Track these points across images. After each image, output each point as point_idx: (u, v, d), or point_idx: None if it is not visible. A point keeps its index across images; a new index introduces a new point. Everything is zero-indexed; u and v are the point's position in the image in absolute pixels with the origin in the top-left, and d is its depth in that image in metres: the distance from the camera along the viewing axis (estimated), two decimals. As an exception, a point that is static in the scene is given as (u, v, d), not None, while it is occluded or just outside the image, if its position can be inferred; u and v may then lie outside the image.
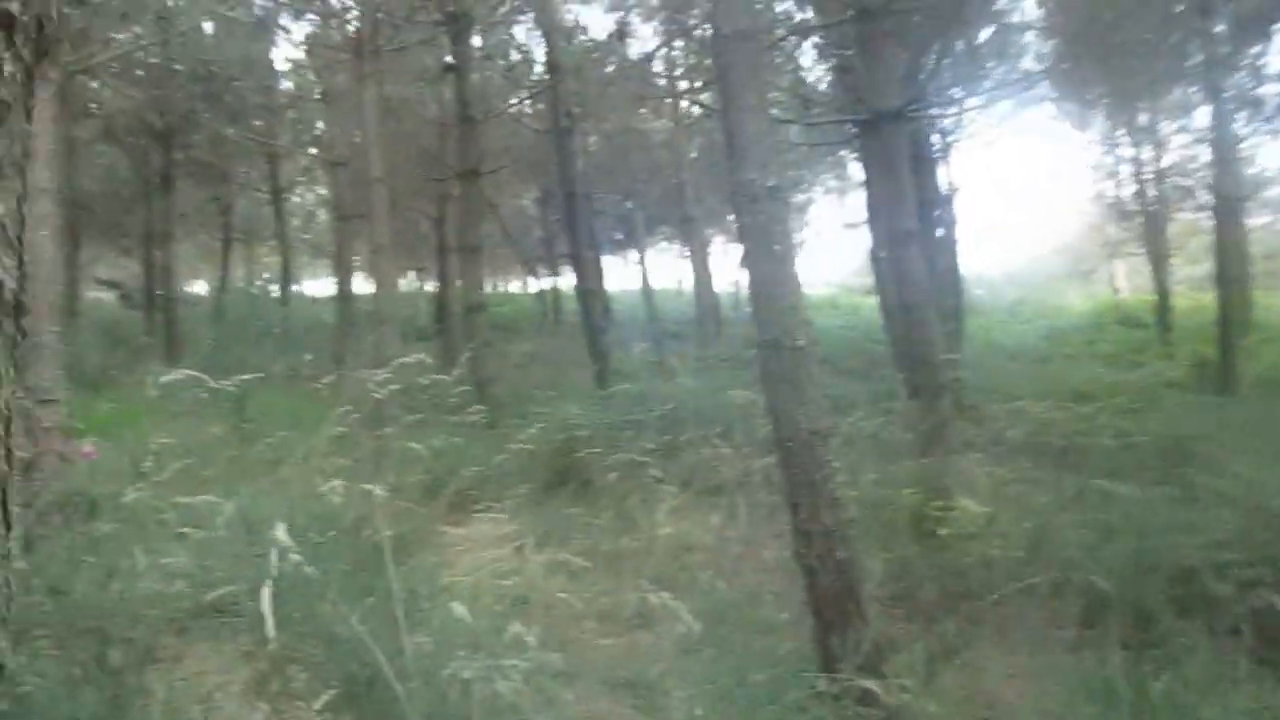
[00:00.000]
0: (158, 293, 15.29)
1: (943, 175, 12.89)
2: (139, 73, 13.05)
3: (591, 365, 11.19)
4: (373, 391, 5.15)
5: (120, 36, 11.30)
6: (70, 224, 13.36)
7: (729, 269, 28.50)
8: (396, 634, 2.38)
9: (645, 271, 20.06)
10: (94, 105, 13.81)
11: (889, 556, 3.83)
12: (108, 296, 18.44)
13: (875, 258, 10.04)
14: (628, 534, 4.49)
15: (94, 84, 13.06)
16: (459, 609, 2.35)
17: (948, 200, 12.46)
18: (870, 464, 4.77)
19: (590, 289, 11.77)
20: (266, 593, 2.16)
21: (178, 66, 12.76)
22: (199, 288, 26.27)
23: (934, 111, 10.92)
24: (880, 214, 8.07)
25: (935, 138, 12.56)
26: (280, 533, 2.29)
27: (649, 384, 8.14)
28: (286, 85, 15.78)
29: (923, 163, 10.75)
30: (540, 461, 5.73)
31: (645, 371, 12.32)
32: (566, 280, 23.57)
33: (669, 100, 16.16)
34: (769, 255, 3.03)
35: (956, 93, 11.37)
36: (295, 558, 2.26)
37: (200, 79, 13.05)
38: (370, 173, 9.31)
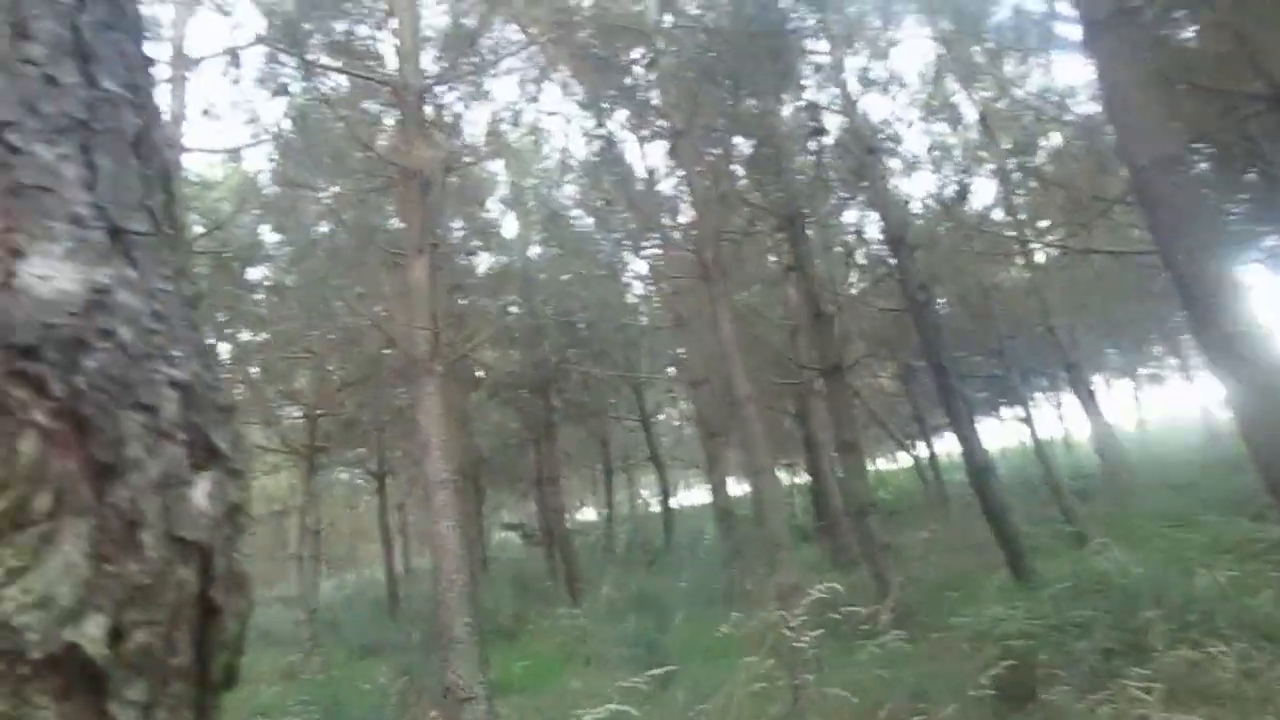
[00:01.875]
0: (553, 529, 17.21)
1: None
2: (514, 335, 15.44)
3: (999, 550, 10.78)
4: (786, 632, 5.49)
5: (490, 309, 13.67)
6: (474, 477, 15.68)
7: (1123, 411, 26.20)
8: None
9: (1033, 428, 19.16)
10: (480, 373, 16.41)
11: None
12: (513, 535, 21.11)
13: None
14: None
15: (477, 355, 15.61)
16: None
17: None
18: None
19: (984, 467, 11.52)
20: None
21: (546, 323, 14.91)
22: (588, 514, 29.19)
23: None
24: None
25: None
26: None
27: (1075, 565, 7.69)
28: (641, 318, 17.75)
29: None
30: (978, 678, 5.57)
31: (1061, 545, 11.59)
32: (942, 447, 23.03)
33: (1020, 248, 15.95)
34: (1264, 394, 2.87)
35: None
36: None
37: (566, 330, 15.14)
38: (737, 392, 10.11)
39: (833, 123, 13.30)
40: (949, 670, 6.13)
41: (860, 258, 15.66)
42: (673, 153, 11.36)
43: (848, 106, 13.51)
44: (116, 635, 0.43)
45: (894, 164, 14.66)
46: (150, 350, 0.49)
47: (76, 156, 0.50)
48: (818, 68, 12.22)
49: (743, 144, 12.19)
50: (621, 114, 13.45)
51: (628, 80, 11.53)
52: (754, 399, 10.33)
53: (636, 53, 11.73)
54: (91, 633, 0.42)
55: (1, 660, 0.40)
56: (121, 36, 0.57)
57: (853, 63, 13.59)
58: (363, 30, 9.49)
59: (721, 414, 15.10)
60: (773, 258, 14.96)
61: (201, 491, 0.49)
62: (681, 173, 12.33)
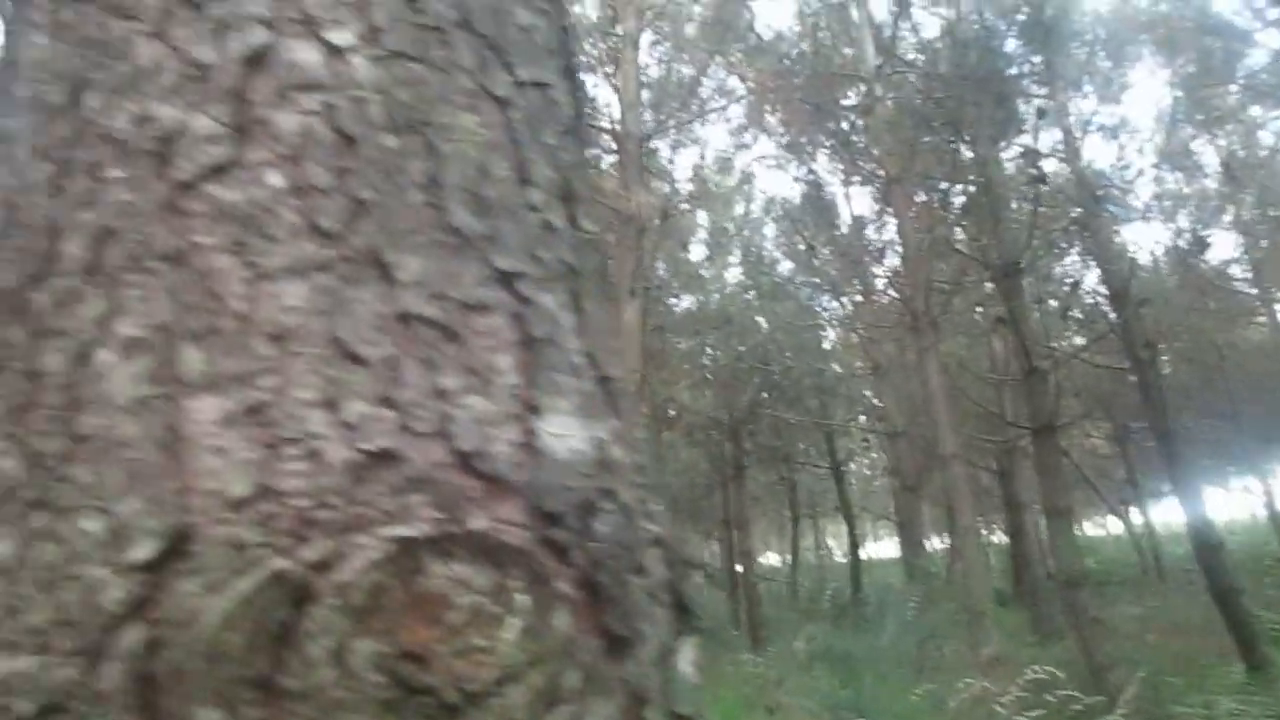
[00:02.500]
0: (738, 569, 17.03)
1: None
2: (710, 377, 15.48)
3: (1227, 634, 9.79)
4: (997, 709, 5.16)
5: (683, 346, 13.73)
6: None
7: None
8: None
9: (1270, 499, 17.53)
10: (673, 412, 16.53)
11: None
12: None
13: None
14: None
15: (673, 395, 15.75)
16: None
17: None
18: None
19: (1213, 541, 10.54)
20: None
21: (743, 366, 14.87)
22: (771, 559, 28.77)
23: None
24: None
25: None
26: None
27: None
28: (835, 365, 17.44)
29: None
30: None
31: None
32: (1159, 515, 21.30)
33: (1263, 305, 14.64)
34: None
35: None
36: None
37: (762, 373, 15.04)
38: (943, 447, 9.71)
39: (1054, 169, 12.70)
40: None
41: (1077, 311, 14.78)
42: (884, 199, 11.14)
43: (1071, 152, 12.86)
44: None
45: (1119, 213, 13.82)
46: (639, 509, 0.48)
47: (570, 304, 0.50)
48: (1041, 113, 11.68)
49: (958, 191, 11.79)
50: (826, 158, 13.33)
51: (841, 125, 11.42)
52: (959, 455, 9.90)
53: (850, 98, 11.62)
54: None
55: None
56: (585, 173, 0.57)
57: (1079, 106, 12.93)
58: (588, 80, 9.86)
59: (918, 467, 14.55)
60: (979, 309, 14.35)
61: (686, 659, 0.47)
62: (892, 219, 12.07)
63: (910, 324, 10.66)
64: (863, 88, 11.46)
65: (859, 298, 14.47)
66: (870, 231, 14.04)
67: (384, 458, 0.41)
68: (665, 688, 0.45)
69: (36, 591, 0.40)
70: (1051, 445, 10.77)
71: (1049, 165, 12.71)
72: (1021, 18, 11.55)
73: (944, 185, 12.05)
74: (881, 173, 10.71)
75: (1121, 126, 12.94)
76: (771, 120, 12.28)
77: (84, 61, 0.47)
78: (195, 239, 0.43)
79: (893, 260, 13.49)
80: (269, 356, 0.42)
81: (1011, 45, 11.86)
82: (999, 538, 19.71)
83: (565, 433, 0.45)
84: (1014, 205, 12.15)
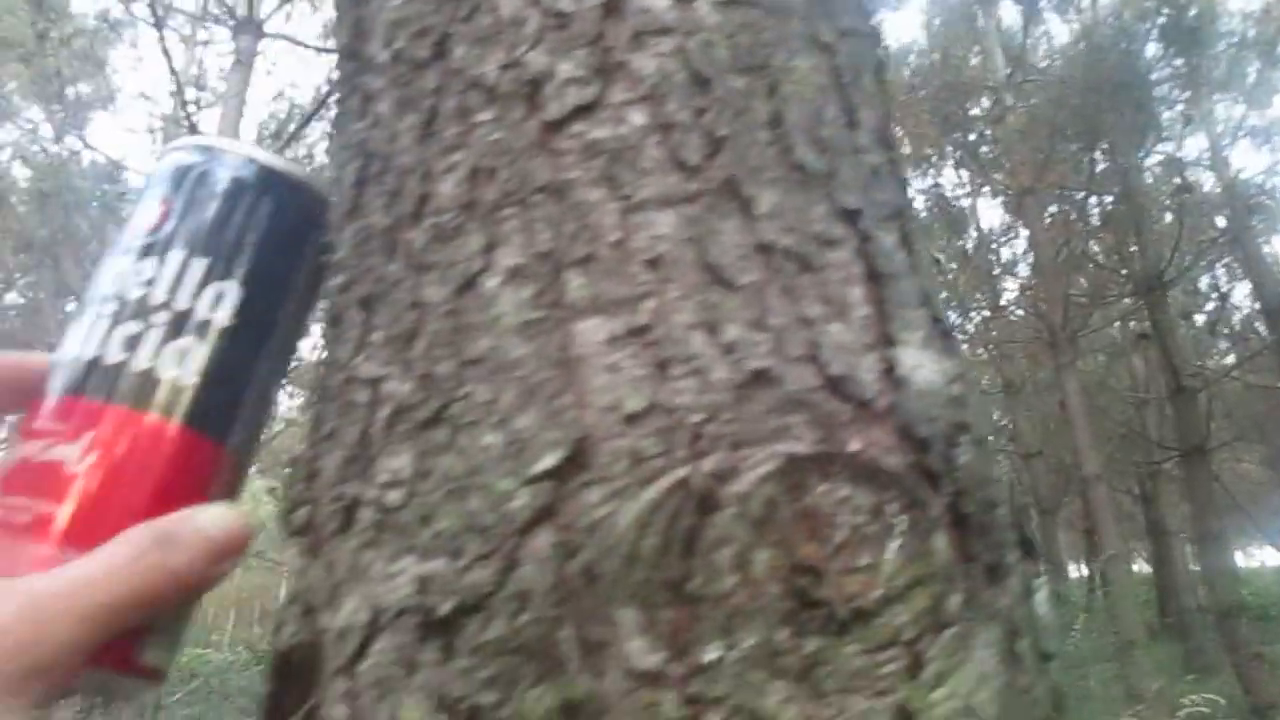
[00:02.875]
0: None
1: None
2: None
3: None
4: None
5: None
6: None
7: None
8: None
9: None
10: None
11: None
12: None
13: None
14: None
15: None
16: None
17: None
18: None
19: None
20: None
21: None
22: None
23: None
24: None
25: None
26: None
27: None
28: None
29: None
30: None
31: None
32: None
33: None
34: None
35: None
36: None
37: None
38: (1085, 469, 9.32)
39: (1200, 178, 12.10)
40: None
41: (1226, 327, 14.02)
42: (1016, 210, 10.80)
43: (1218, 160, 12.25)
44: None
45: (1270, 223, 13.09)
46: (989, 445, 0.47)
47: (901, 244, 0.50)
48: (1187, 119, 11.17)
49: (1095, 202, 11.36)
50: (953, 169, 13.02)
51: (970, 136, 11.15)
52: (1102, 477, 9.49)
53: (979, 108, 11.34)
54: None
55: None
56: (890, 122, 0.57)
57: (1226, 111, 12.32)
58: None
59: (1055, 490, 14.00)
60: (1120, 324, 13.76)
61: (1043, 598, 0.46)
62: (1023, 232, 11.70)
63: (1047, 339, 10.29)
64: (992, 97, 11.18)
65: (987, 312, 14.06)
66: (1000, 245, 13.64)
67: (762, 379, 0.42)
68: (1032, 623, 0.44)
69: (443, 501, 0.42)
70: (1203, 468, 10.21)
71: (1195, 174, 12.12)
72: (1162, 20, 11.07)
73: (1080, 195, 11.63)
74: (1013, 184, 10.40)
75: (1273, 130, 12.25)
76: (898, 131, 12.11)
77: (446, 17, 0.50)
78: (568, 174, 0.45)
79: (1023, 273, 13.07)
80: (647, 281, 0.43)
81: (1151, 49, 11.36)
82: (1140, 566, 18.76)
83: (920, 364, 0.46)
84: (1157, 216, 11.63)
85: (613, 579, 0.38)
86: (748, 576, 0.38)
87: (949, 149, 11.52)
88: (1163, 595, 15.50)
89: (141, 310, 0.49)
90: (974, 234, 14.25)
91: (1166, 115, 11.56)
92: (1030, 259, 11.84)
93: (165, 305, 0.49)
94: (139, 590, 0.41)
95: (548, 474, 0.40)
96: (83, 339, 0.49)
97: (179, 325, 0.49)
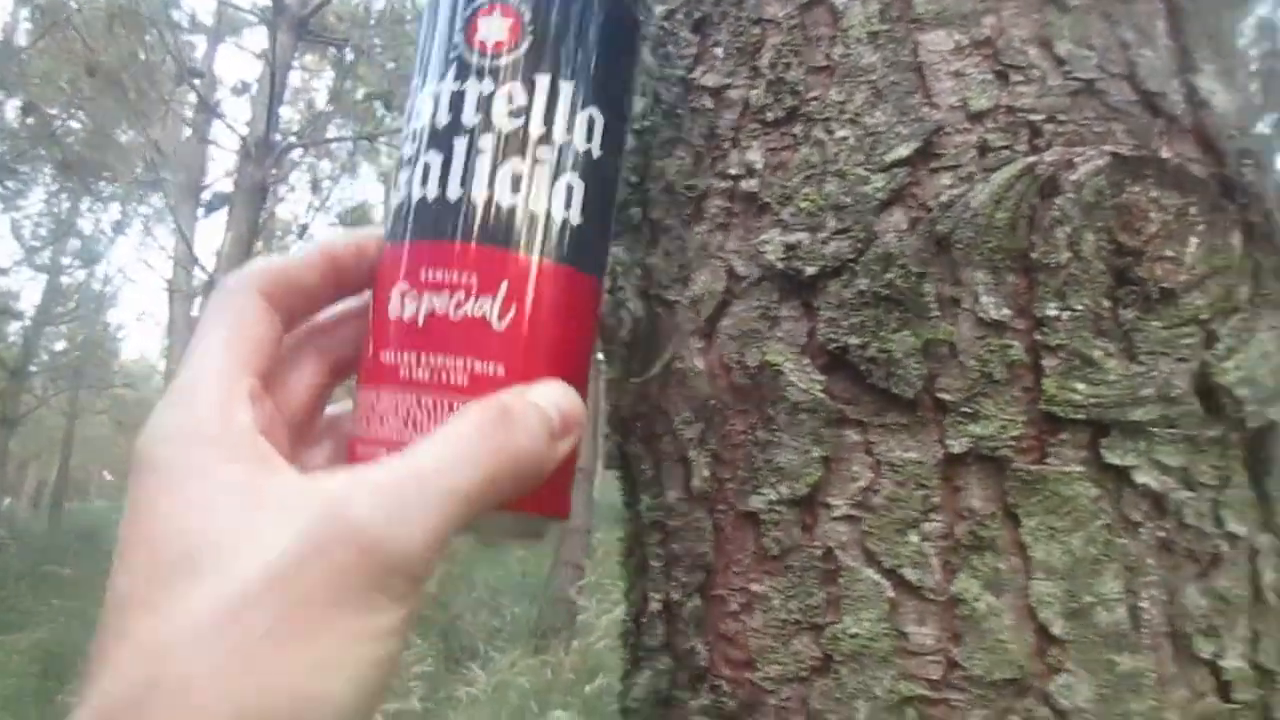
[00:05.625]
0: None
1: None
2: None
3: None
4: None
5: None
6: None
7: None
8: None
9: None
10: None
11: None
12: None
13: None
14: None
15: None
16: None
17: None
18: None
19: None
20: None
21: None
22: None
23: None
24: None
25: None
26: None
27: None
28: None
29: None
30: None
31: None
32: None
33: None
34: None
35: None
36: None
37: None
38: None
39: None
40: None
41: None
42: None
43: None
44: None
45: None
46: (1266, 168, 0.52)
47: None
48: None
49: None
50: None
51: None
52: None
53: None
54: (1284, 415, 0.46)
55: (1223, 424, 0.46)
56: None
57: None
58: None
59: None
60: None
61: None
62: None
63: None
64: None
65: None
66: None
67: (1090, 89, 0.47)
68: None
69: (801, 185, 0.48)
70: None
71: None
72: None
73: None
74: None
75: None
76: None
77: None
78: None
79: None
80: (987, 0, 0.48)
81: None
82: None
83: (1215, 91, 0.50)
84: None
85: (967, 245, 0.45)
86: (1078, 253, 0.45)
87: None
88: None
89: (520, 144, 0.45)
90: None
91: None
92: None
93: (545, 139, 0.46)
94: (490, 473, 0.39)
95: (901, 161, 0.47)
96: (453, 176, 0.45)
97: (561, 160, 0.46)
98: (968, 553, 0.43)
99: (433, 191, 0.45)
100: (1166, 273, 0.46)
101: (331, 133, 8.12)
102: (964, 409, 0.44)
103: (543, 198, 0.45)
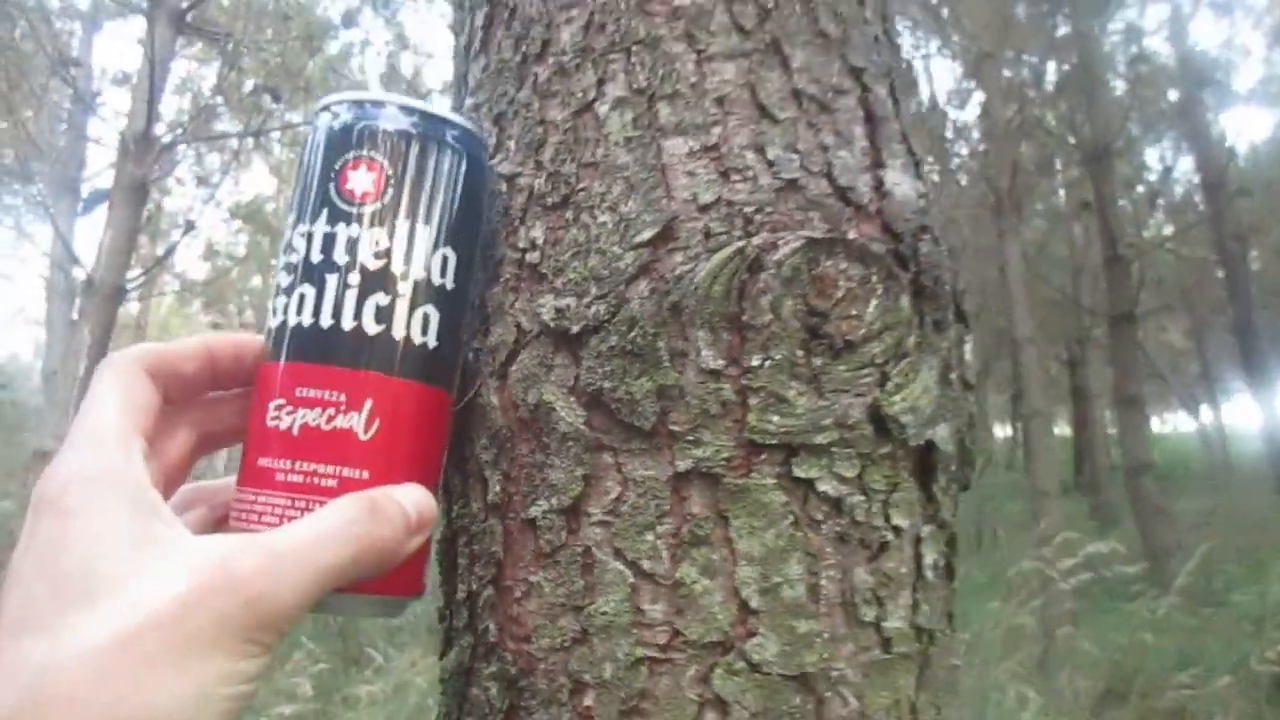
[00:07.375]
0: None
1: None
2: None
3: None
4: (1052, 574, 5.38)
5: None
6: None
7: None
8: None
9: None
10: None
11: None
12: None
13: None
14: None
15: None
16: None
17: None
18: None
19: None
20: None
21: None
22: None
23: None
24: None
25: None
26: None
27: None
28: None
29: None
30: (1260, 654, 5.32)
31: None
32: (1231, 414, 21.17)
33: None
34: None
35: None
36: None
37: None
38: (1018, 332, 9.75)
39: (1157, 48, 12.20)
40: (1222, 645, 5.88)
41: (1165, 200, 14.43)
42: (975, 74, 10.89)
43: (1176, 31, 12.31)
44: (957, 439, 0.62)
45: (1220, 97, 13.30)
46: (942, 243, 0.67)
47: (890, 96, 0.68)
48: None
49: (1052, 70, 11.45)
50: (909, 31, 12.92)
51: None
52: (1034, 340, 9.93)
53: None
54: (942, 435, 0.61)
55: (891, 444, 0.61)
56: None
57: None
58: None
59: (986, 352, 14.58)
60: (1062, 192, 14.08)
61: (968, 350, 0.68)
62: (977, 97, 11.78)
63: (993, 205, 10.54)
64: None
65: (936, 177, 14.24)
66: (951, 109, 13.69)
67: (793, 186, 0.61)
68: (960, 362, 0.65)
69: (570, 260, 0.61)
70: (1128, 335, 10.76)
71: (1152, 43, 12.21)
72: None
73: (1037, 61, 11.68)
74: (972, 46, 10.40)
75: (1235, 2, 12.33)
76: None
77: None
78: (659, 31, 0.63)
79: (973, 139, 13.19)
80: (716, 114, 0.62)
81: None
82: (1061, 429, 19.75)
83: (899, 182, 0.65)
84: (1111, 85, 11.75)
85: (692, 311, 0.58)
86: (779, 315, 0.59)
87: (909, 8, 11.46)
88: (1079, 456, 16.48)
89: (383, 281, 0.54)
90: (926, 96, 14.29)
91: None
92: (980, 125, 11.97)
93: (404, 276, 0.55)
94: (355, 554, 0.46)
95: (646, 243, 0.60)
96: (325, 307, 0.53)
97: (418, 294, 0.55)
98: (689, 547, 0.57)
99: (307, 319, 0.52)
100: (850, 328, 0.60)
101: (222, 124, 7.98)
102: (689, 437, 0.58)
103: (402, 326, 0.54)
